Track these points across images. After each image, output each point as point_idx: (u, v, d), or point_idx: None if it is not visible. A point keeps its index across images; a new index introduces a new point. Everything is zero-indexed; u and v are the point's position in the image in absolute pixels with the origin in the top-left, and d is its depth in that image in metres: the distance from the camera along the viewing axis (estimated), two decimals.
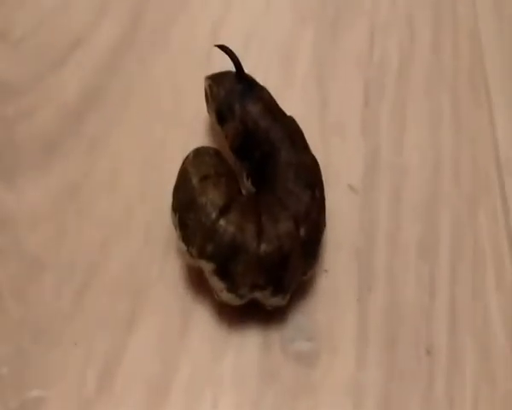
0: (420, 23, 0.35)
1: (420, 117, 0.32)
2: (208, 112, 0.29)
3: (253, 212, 0.24)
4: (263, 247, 0.23)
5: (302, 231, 0.24)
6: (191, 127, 0.30)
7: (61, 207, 0.27)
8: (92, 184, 0.28)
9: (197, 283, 0.26)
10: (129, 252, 0.26)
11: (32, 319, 0.25)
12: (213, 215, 0.23)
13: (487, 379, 0.25)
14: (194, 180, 0.24)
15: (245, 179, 0.27)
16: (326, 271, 0.27)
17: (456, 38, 0.35)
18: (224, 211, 0.24)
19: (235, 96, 0.26)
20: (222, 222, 0.23)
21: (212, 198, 0.24)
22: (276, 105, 0.27)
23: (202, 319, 0.25)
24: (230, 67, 0.27)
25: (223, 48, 0.26)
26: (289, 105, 0.27)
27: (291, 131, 0.26)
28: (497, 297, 0.27)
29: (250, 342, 0.25)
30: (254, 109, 0.26)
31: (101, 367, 0.24)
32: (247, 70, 0.27)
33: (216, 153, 0.26)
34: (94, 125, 0.29)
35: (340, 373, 0.25)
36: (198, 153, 0.25)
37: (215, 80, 0.28)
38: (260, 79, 0.28)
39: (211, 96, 0.28)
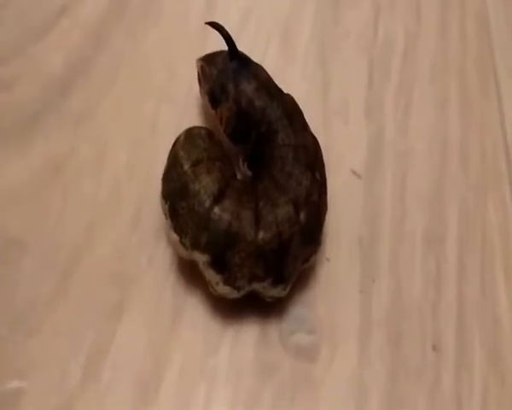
0: (426, 3, 0.35)
1: (426, 101, 0.32)
2: (201, 95, 0.28)
3: (249, 198, 0.24)
4: (261, 235, 0.23)
5: (302, 216, 0.24)
6: (184, 105, 0.29)
7: (44, 185, 0.27)
8: (77, 162, 0.27)
9: (190, 272, 0.25)
10: (116, 237, 0.26)
11: (10, 305, 0.24)
12: (207, 203, 0.23)
13: (496, 376, 0.25)
14: (186, 166, 0.24)
15: (240, 164, 0.26)
16: (328, 259, 0.26)
17: (464, 20, 0.34)
18: (218, 198, 0.23)
19: (228, 74, 0.26)
20: (216, 210, 0.23)
21: (205, 185, 0.23)
22: (273, 83, 0.26)
23: (195, 309, 0.25)
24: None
25: (213, 25, 0.26)
26: (289, 85, 0.27)
27: (289, 109, 0.26)
28: (507, 291, 0.27)
29: (247, 335, 0.25)
30: (249, 88, 0.25)
31: (85, 358, 0.23)
32: (243, 48, 0.26)
33: (209, 134, 0.25)
34: (79, 99, 0.29)
35: (342, 368, 0.25)
36: (189, 135, 0.25)
37: (207, 61, 0.27)
38: (258, 57, 0.27)
39: (203, 78, 0.27)
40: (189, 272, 0.25)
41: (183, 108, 0.29)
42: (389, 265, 0.27)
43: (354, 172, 0.29)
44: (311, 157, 0.25)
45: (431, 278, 0.27)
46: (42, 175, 0.27)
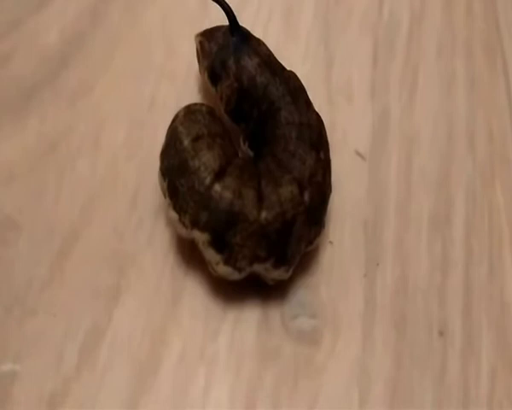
0: None
1: (432, 81, 0.31)
2: (200, 72, 0.27)
3: (251, 176, 0.23)
4: (264, 214, 0.22)
5: (306, 196, 0.23)
6: (183, 83, 0.29)
7: (39, 164, 0.26)
8: (73, 139, 0.27)
9: (190, 253, 0.25)
10: (114, 217, 0.25)
11: (4, 287, 0.24)
12: (208, 180, 0.22)
13: (504, 362, 0.25)
14: (186, 141, 0.23)
15: (241, 143, 0.26)
16: (331, 242, 0.26)
17: None
18: (219, 175, 0.22)
19: (229, 50, 0.25)
20: (217, 187, 0.22)
21: (205, 161, 0.23)
22: (275, 59, 0.26)
23: (195, 291, 0.24)
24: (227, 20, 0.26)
25: None
26: (291, 64, 0.26)
27: (292, 86, 0.25)
28: None
29: (248, 318, 0.24)
30: (250, 64, 0.25)
31: (82, 341, 0.23)
32: (244, 24, 0.26)
33: (209, 111, 0.24)
34: (76, 76, 0.28)
35: (345, 353, 0.24)
36: (189, 111, 0.24)
37: (206, 36, 0.26)
38: (259, 34, 0.27)
39: (202, 54, 0.27)
40: (189, 254, 0.25)
41: (182, 85, 0.28)
42: (394, 248, 0.26)
43: (358, 154, 0.28)
44: (315, 136, 0.24)
45: (437, 262, 0.26)
46: (37, 153, 0.26)
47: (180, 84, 0.28)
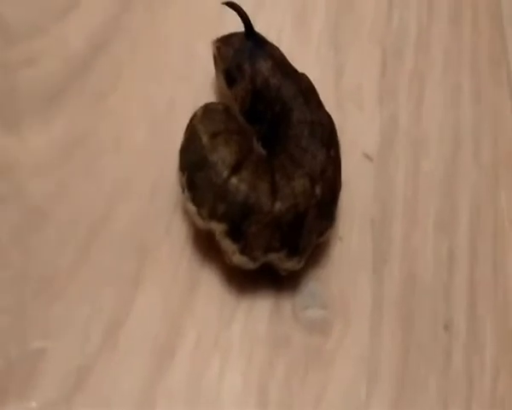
0: None
1: (438, 89, 0.32)
2: (217, 76, 0.28)
3: (266, 170, 0.24)
4: (277, 206, 0.23)
5: (317, 190, 0.24)
6: (200, 85, 0.29)
7: (65, 159, 0.27)
8: (97, 138, 0.28)
9: (205, 245, 0.26)
10: (134, 211, 0.26)
11: (33, 271, 0.25)
12: (225, 174, 0.23)
13: (508, 357, 0.25)
14: (204, 138, 0.24)
15: (255, 143, 0.27)
16: (341, 238, 0.27)
17: (476, 8, 0.34)
18: (236, 169, 0.23)
19: (245, 54, 0.26)
20: (234, 181, 0.23)
21: (223, 156, 0.24)
22: (288, 63, 0.27)
23: (210, 282, 0.25)
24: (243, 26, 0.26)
25: (230, 4, 0.26)
26: (302, 68, 0.27)
27: (304, 88, 0.26)
28: None
29: (260, 308, 0.25)
30: (264, 67, 0.26)
31: (105, 324, 0.24)
32: (258, 29, 0.27)
33: (226, 109, 0.25)
34: (99, 78, 0.29)
35: (354, 345, 0.25)
36: (207, 109, 0.25)
37: (223, 41, 0.27)
38: (273, 39, 0.28)
39: (219, 58, 0.28)
40: (205, 245, 0.26)
41: (199, 88, 0.29)
42: (401, 247, 0.27)
43: (366, 156, 0.29)
44: (326, 134, 0.25)
45: (443, 260, 0.27)
46: (63, 149, 0.27)
47: (197, 86, 0.29)
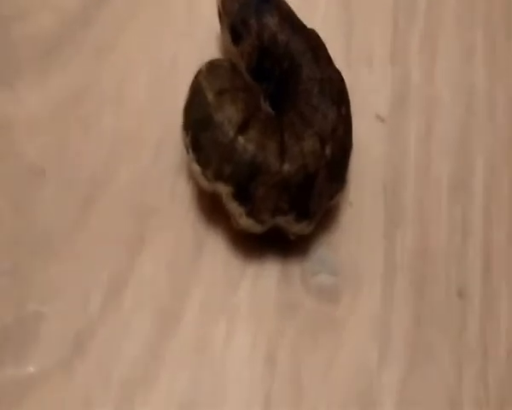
0: None
1: (451, 49, 0.31)
2: (222, 32, 0.27)
3: (274, 129, 0.23)
4: (286, 166, 0.23)
5: (328, 150, 0.23)
6: (204, 42, 0.29)
7: (63, 116, 0.26)
8: (97, 94, 0.27)
9: (211, 208, 0.25)
10: (136, 171, 0.26)
11: (30, 232, 0.24)
12: (231, 133, 0.23)
13: None
14: (210, 95, 0.23)
15: (262, 102, 0.26)
16: (351, 204, 0.26)
17: None
18: (242, 128, 0.23)
19: (251, 8, 0.25)
20: (241, 140, 0.23)
21: (229, 115, 0.23)
22: (296, 17, 0.26)
23: (216, 246, 0.25)
24: None
25: None
26: (311, 26, 0.26)
27: (313, 43, 0.25)
28: None
29: (268, 273, 0.25)
30: (272, 22, 0.25)
31: (106, 286, 0.24)
32: None
33: (232, 66, 0.25)
34: (99, 30, 0.28)
35: (365, 311, 0.25)
36: (212, 66, 0.24)
37: None
38: None
39: (224, 13, 0.27)
40: (210, 209, 0.25)
41: (203, 45, 0.28)
42: (414, 211, 0.26)
43: (378, 117, 0.28)
44: (336, 91, 0.24)
45: (457, 225, 0.26)
46: (61, 105, 0.26)
47: (201, 43, 0.28)
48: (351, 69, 0.29)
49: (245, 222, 0.23)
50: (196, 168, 0.23)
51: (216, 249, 0.25)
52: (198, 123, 0.23)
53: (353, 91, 0.28)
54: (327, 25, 0.30)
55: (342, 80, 0.25)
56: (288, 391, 0.23)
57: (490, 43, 0.31)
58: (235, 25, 0.26)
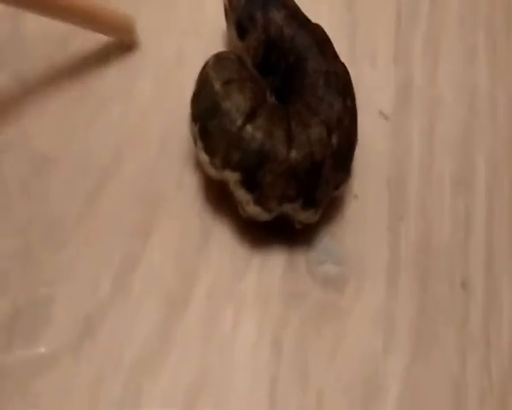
0: None
1: (454, 50, 0.31)
2: (228, 28, 0.28)
3: (281, 117, 0.24)
4: (293, 154, 0.23)
5: (334, 139, 0.24)
6: (210, 38, 0.29)
7: (72, 108, 0.27)
8: (105, 86, 0.27)
9: (217, 198, 0.25)
10: (144, 160, 0.26)
11: (40, 217, 0.24)
12: (239, 121, 0.23)
13: None
14: (217, 85, 0.24)
15: (268, 96, 0.26)
16: (356, 196, 0.27)
17: None
18: (250, 116, 0.23)
19: (257, 3, 0.26)
20: (249, 128, 0.23)
21: (237, 103, 0.23)
22: (302, 12, 0.26)
23: (222, 235, 0.25)
24: None
25: None
26: None
27: (319, 38, 0.26)
28: None
29: (274, 262, 0.25)
30: (278, 16, 0.25)
31: (115, 271, 0.24)
32: None
33: (238, 58, 0.25)
34: None
35: (370, 301, 0.25)
36: (219, 57, 0.25)
37: None
38: None
39: (230, 8, 0.27)
40: (216, 198, 0.25)
41: (208, 41, 0.29)
42: (417, 206, 0.27)
43: (382, 113, 0.29)
44: (342, 84, 0.25)
45: (459, 219, 0.27)
46: (70, 97, 0.27)
47: (207, 39, 0.29)
48: (354, 68, 0.29)
49: (252, 210, 0.24)
50: (204, 157, 0.24)
51: (222, 238, 0.25)
52: (206, 112, 0.23)
53: (357, 89, 0.28)
54: (331, 25, 0.30)
55: (348, 73, 0.25)
56: (294, 377, 0.23)
57: (491, 44, 0.31)
58: (241, 19, 0.26)
